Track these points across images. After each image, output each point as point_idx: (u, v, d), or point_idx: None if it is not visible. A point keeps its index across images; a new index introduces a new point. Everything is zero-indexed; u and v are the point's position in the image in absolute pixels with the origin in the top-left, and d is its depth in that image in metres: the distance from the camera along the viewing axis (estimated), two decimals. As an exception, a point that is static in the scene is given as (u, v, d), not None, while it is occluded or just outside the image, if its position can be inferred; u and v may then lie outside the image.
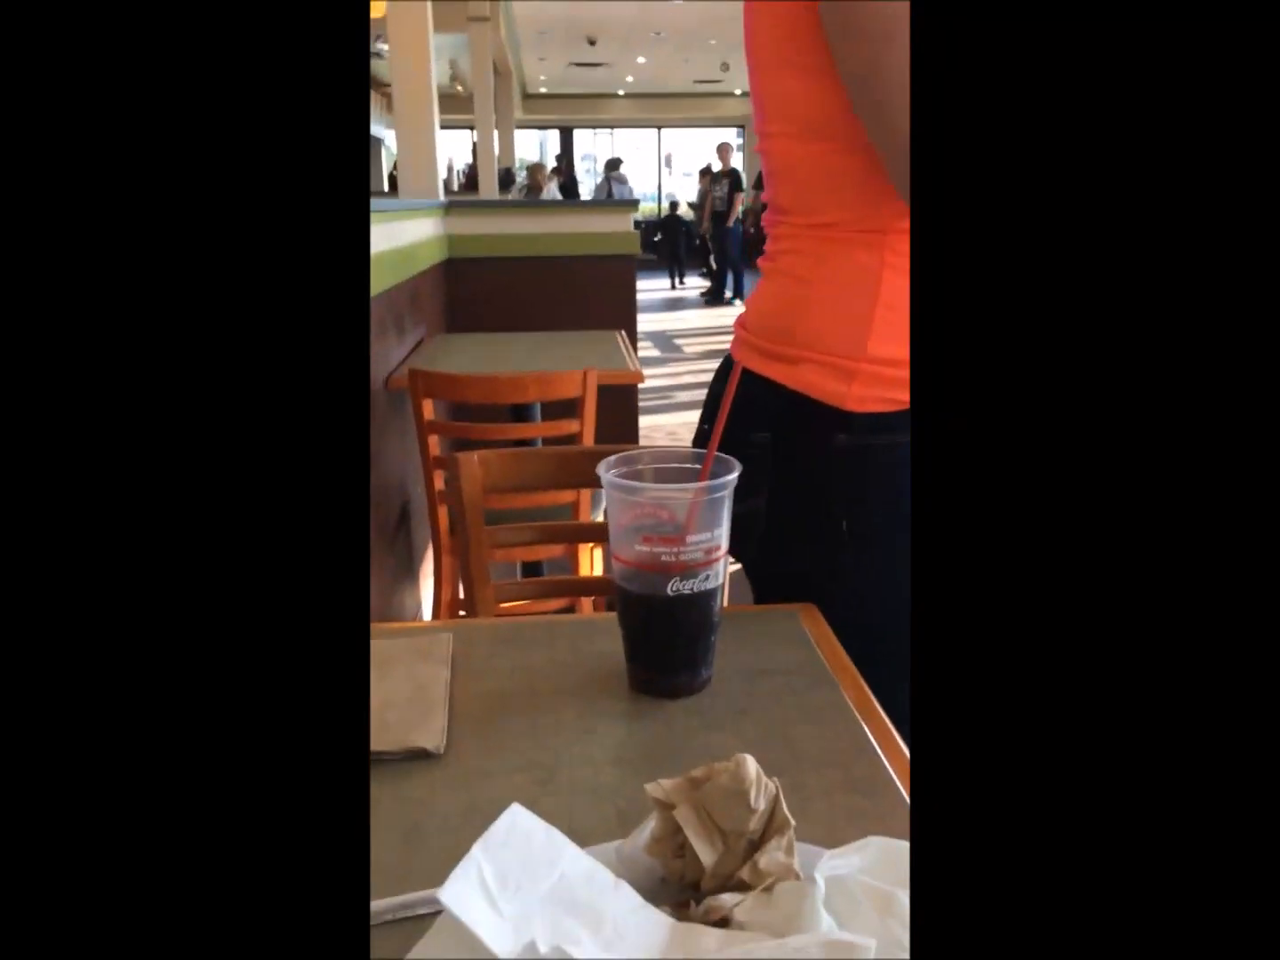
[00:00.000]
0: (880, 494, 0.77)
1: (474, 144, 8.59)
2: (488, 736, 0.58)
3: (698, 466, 0.64)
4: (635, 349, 2.66)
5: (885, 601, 0.74)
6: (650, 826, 0.42)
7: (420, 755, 0.55)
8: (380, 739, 0.56)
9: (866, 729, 0.59)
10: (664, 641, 0.62)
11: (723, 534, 0.62)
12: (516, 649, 0.70)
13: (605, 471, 0.63)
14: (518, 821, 0.36)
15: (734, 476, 0.61)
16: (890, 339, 0.76)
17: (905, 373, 0.75)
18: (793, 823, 0.41)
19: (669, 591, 0.60)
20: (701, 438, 0.90)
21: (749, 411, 0.78)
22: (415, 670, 0.65)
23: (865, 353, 0.76)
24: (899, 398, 0.76)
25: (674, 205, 13.61)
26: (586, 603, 1.75)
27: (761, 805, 0.40)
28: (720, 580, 0.63)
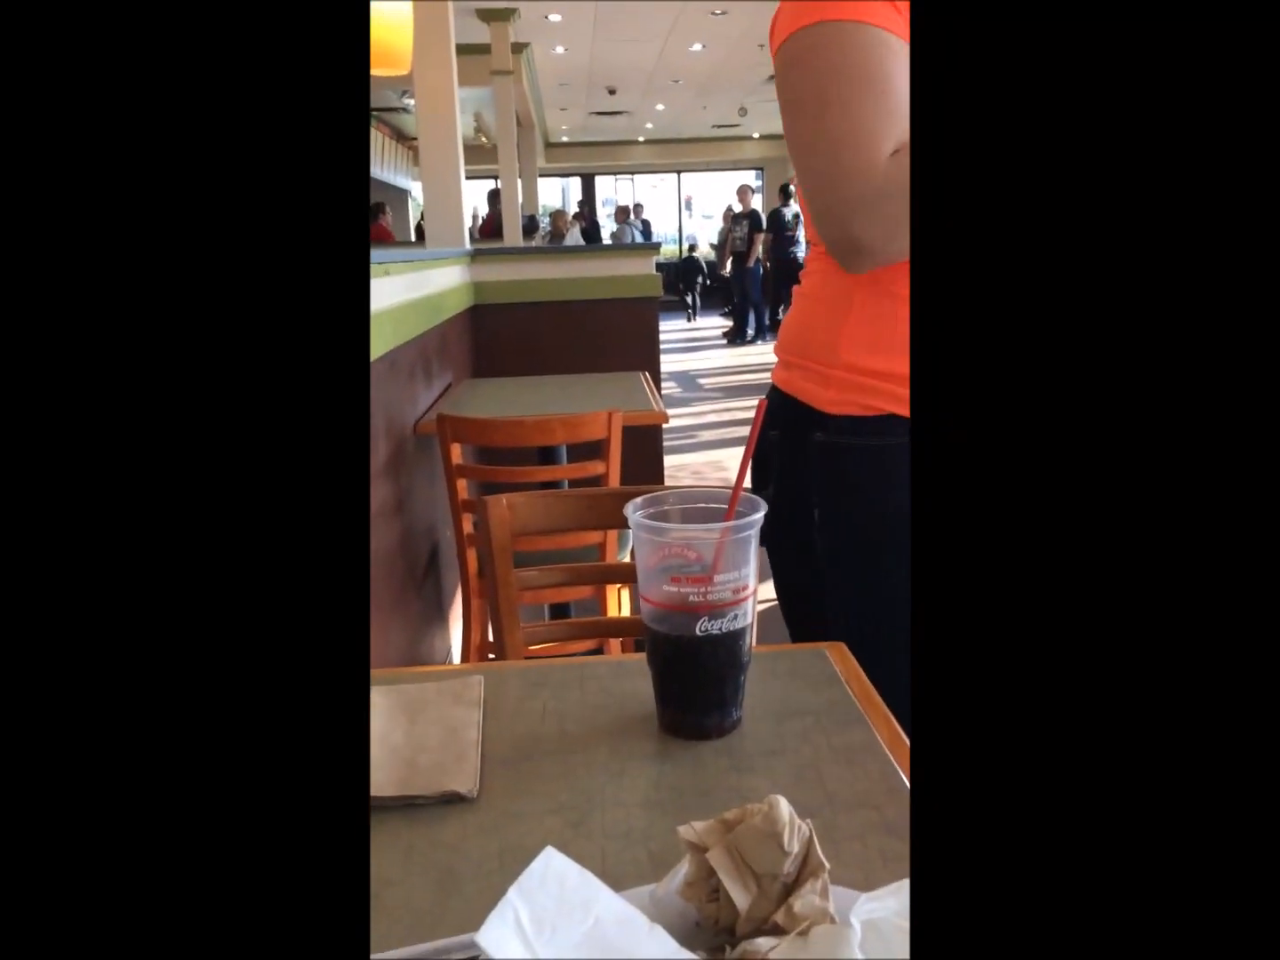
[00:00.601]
0: (847, 489, 0.90)
1: (489, 191, 8.75)
2: (520, 779, 0.59)
3: (724, 506, 0.65)
4: (659, 389, 2.68)
5: (853, 582, 0.91)
6: (684, 870, 0.42)
7: (454, 799, 0.56)
8: (414, 783, 0.57)
9: (899, 769, 0.58)
10: (693, 682, 0.62)
11: (750, 573, 0.62)
12: (547, 691, 0.70)
13: (632, 513, 0.64)
14: (552, 864, 0.36)
15: (760, 515, 0.62)
16: (862, 350, 0.88)
17: (878, 382, 0.88)
18: (827, 865, 0.41)
19: (697, 631, 0.61)
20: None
21: (770, 412, 0.95)
22: (447, 714, 0.65)
23: (839, 360, 0.89)
24: (873, 404, 0.88)
25: (691, 247, 13.87)
26: (615, 644, 1.74)
27: (795, 847, 0.40)
28: (749, 619, 0.63)
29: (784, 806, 0.41)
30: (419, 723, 0.64)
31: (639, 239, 10.17)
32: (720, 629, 0.61)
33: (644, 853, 0.51)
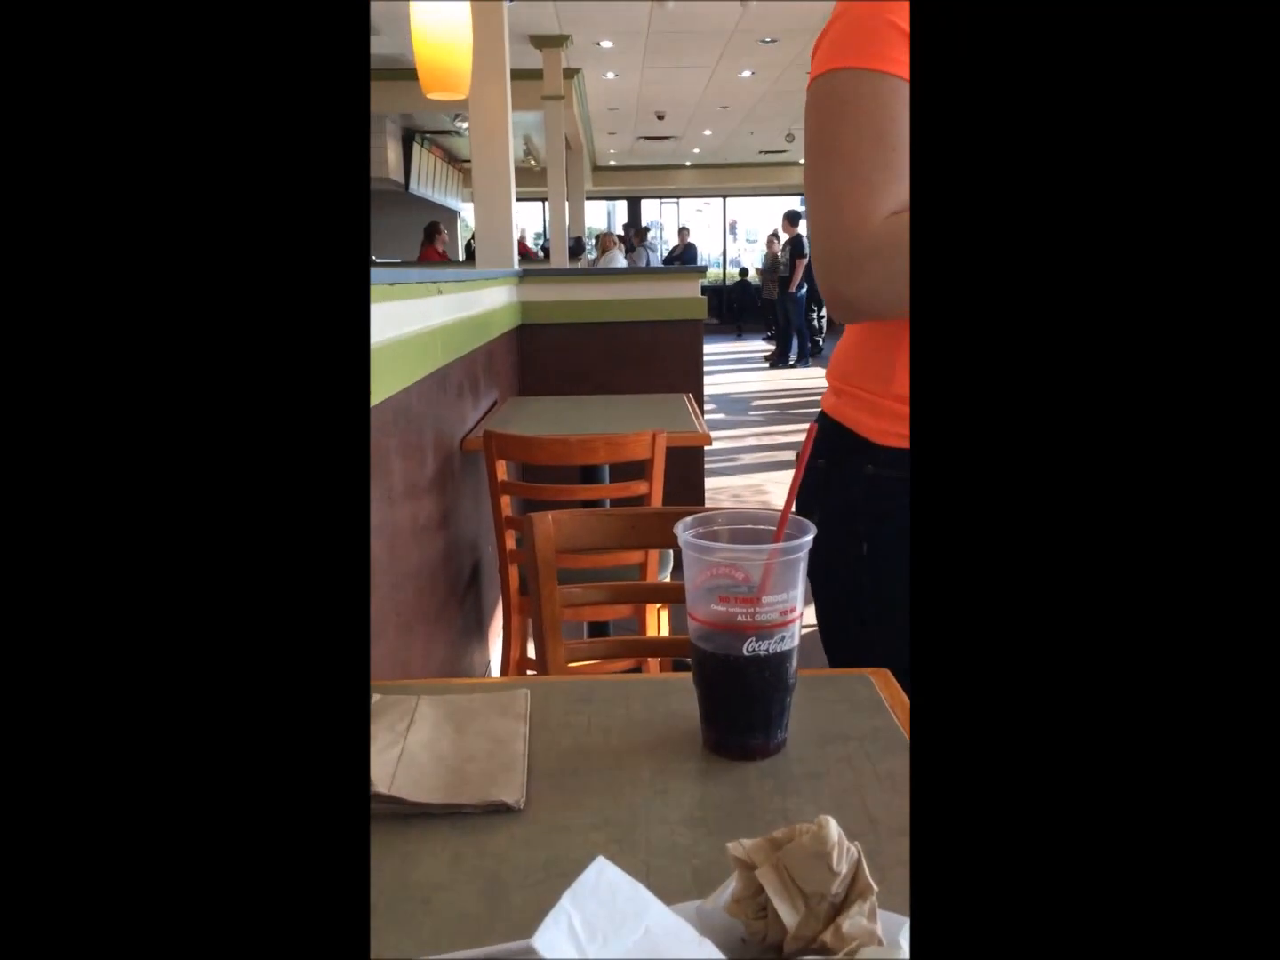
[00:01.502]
0: (896, 524, 0.88)
1: (427, 225, 8.59)
2: (565, 792, 0.59)
3: (773, 527, 0.65)
4: (702, 411, 2.69)
5: (895, 616, 0.87)
6: (731, 886, 0.42)
7: (500, 809, 0.57)
8: (461, 791, 0.58)
9: (945, 797, 0.58)
10: (739, 702, 0.63)
11: (798, 595, 0.63)
12: (592, 706, 0.71)
13: (682, 531, 0.65)
14: (604, 874, 0.37)
15: (809, 539, 0.62)
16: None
17: None
18: (875, 888, 0.41)
19: (744, 651, 0.61)
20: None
21: (818, 439, 0.92)
22: (494, 725, 0.66)
23: (890, 391, 0.87)
24: None
25: (744, 272, 13.99)
26: (654, 664, 1.74)
27: (844, 869, 0.41)
28: (795, 642, 0.63)
29: (834, 827, 0.41)
30: (466, 733, 0.65)
31: (653, 263, 10.08)
32: (767, 650, 0.61)
33: (688, 870, 0.52)
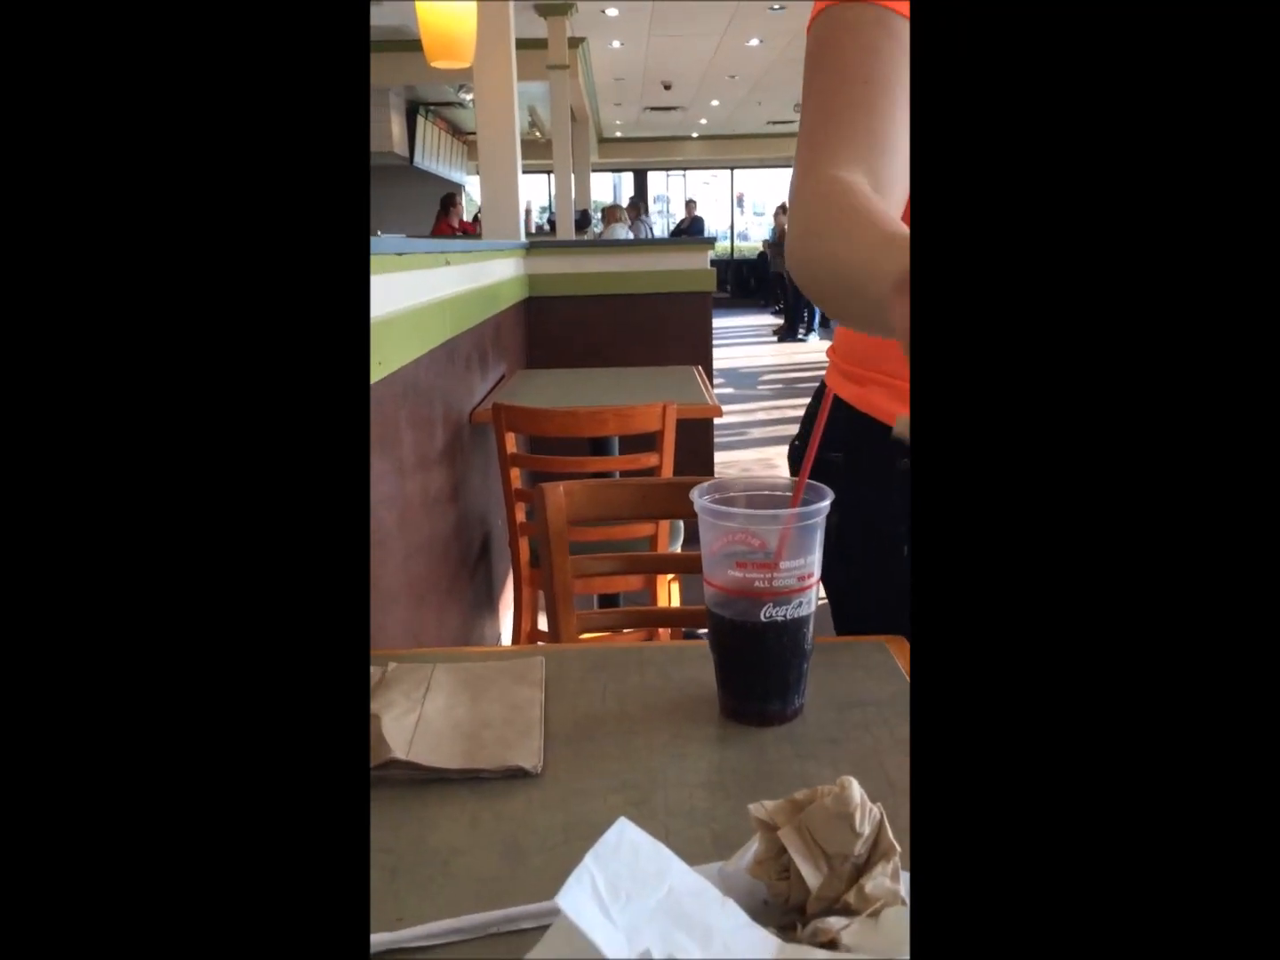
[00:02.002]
0: None
1: (442, 196, 8.29)
2: (582, 758, 0.59)
3: (789, 495, 0.65)
4: (712, 384, 2.68)
5: None
6: (754, 847, 0.42)
7: (518, 774, 0.56)
8: (479, 757, 0.58)
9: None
10: (756, 668, 0.62)
11: (815, 561, 0.62)
12: (607, 673, 0.71)
13: (698, 497, 0.64)
14: (626, 834, 0.37)
15: (826, 504, 0.62)
16: None
17: None
18: (898, 848, 0.41)
19: (762, 618, 0.61)
20: (794, 454, 0.92)
21: (827, 431, 0.78)
22: (510, 692, 0.66)
23: None
24: None
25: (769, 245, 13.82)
26: (665, 634, 1.75)
27: (866, 830, 0.40)
28: (813, 608, 0.63)
29: (856, 788, 0.41)
30: (482, 700, 0.65)
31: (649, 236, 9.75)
32: (785, 615, 0.61)
33: (707, 833, 0.52)
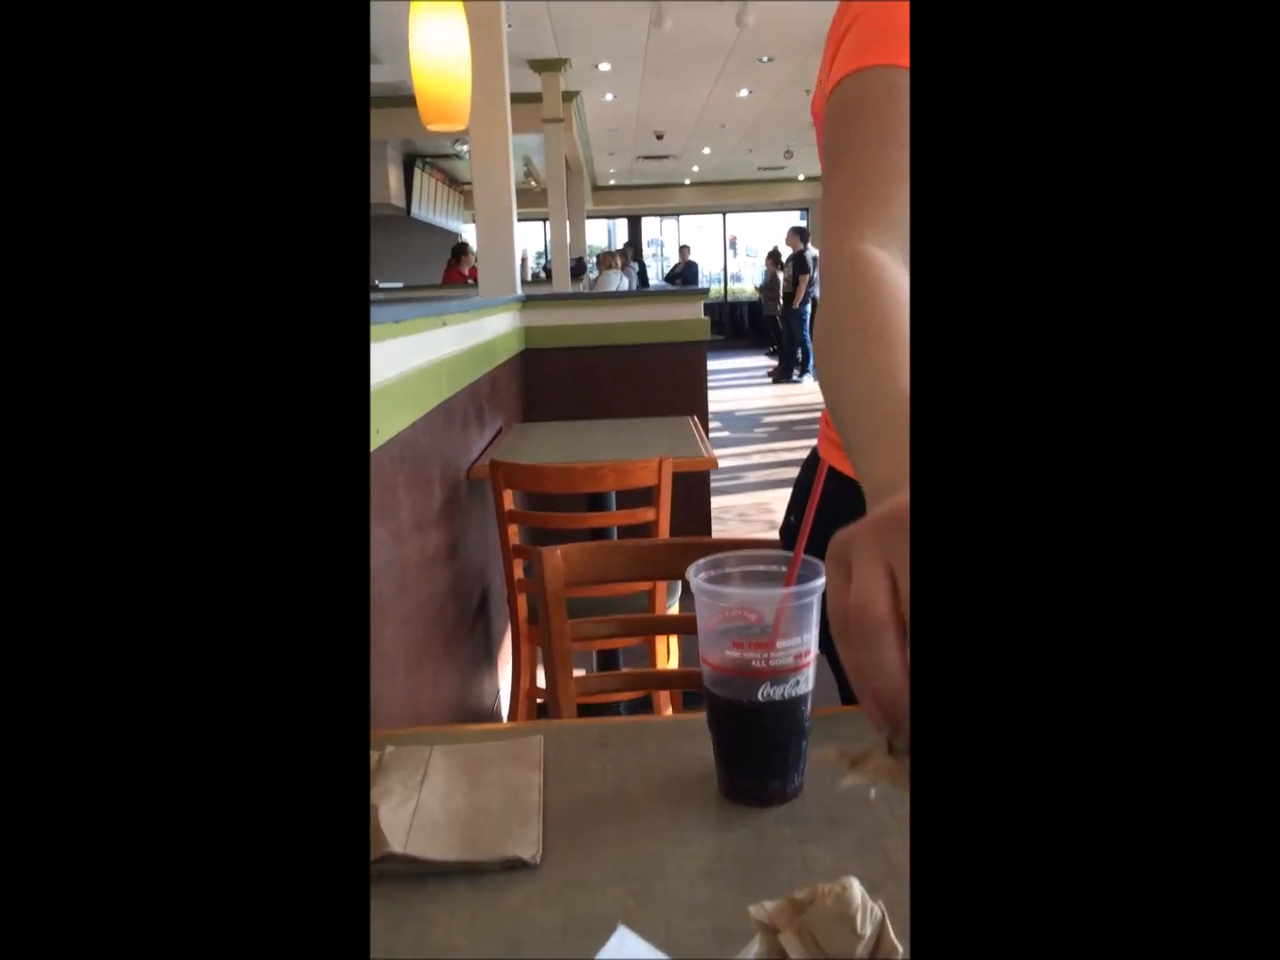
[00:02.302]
0: None
1: (454, 245, 8.31)
2: (582, 845, 0.59)
3: (784, 570, 0.65)
4: (706, 431, 2.69)
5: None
6: (754, 949, 0.41)
7: (517, 865, 0.56)
8: (477, 848, 0.57)
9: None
10: (755, 748, 0.62)
11: (812, 638, 0.62)
12: (606, 751, 0.70)
13: (693, 576, 0.65)
14: (625, 944, 0.37)
15: (822, 581, 0.62)
16: None
17: None
18: (900, 949, 0.40)
19: (759, 697, 0.61)
20: (788, 530, 0.90)
21: (828, 506, 0.74)
22: (508, 775, 0.65)
23: None
24: None
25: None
26: (664, 695, 1.74)
27: (868, 931, 0.40)
28: (810, 686, 0.63)
29: (857, 889, 0.41)
30: (480, 785, 0.64)
31: (626, 285, 9.61)
32: (782, 695, 0.61)
33: (708, 925, 0.51)
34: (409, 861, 0.56)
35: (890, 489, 0.45)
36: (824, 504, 0.76)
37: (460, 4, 2.32)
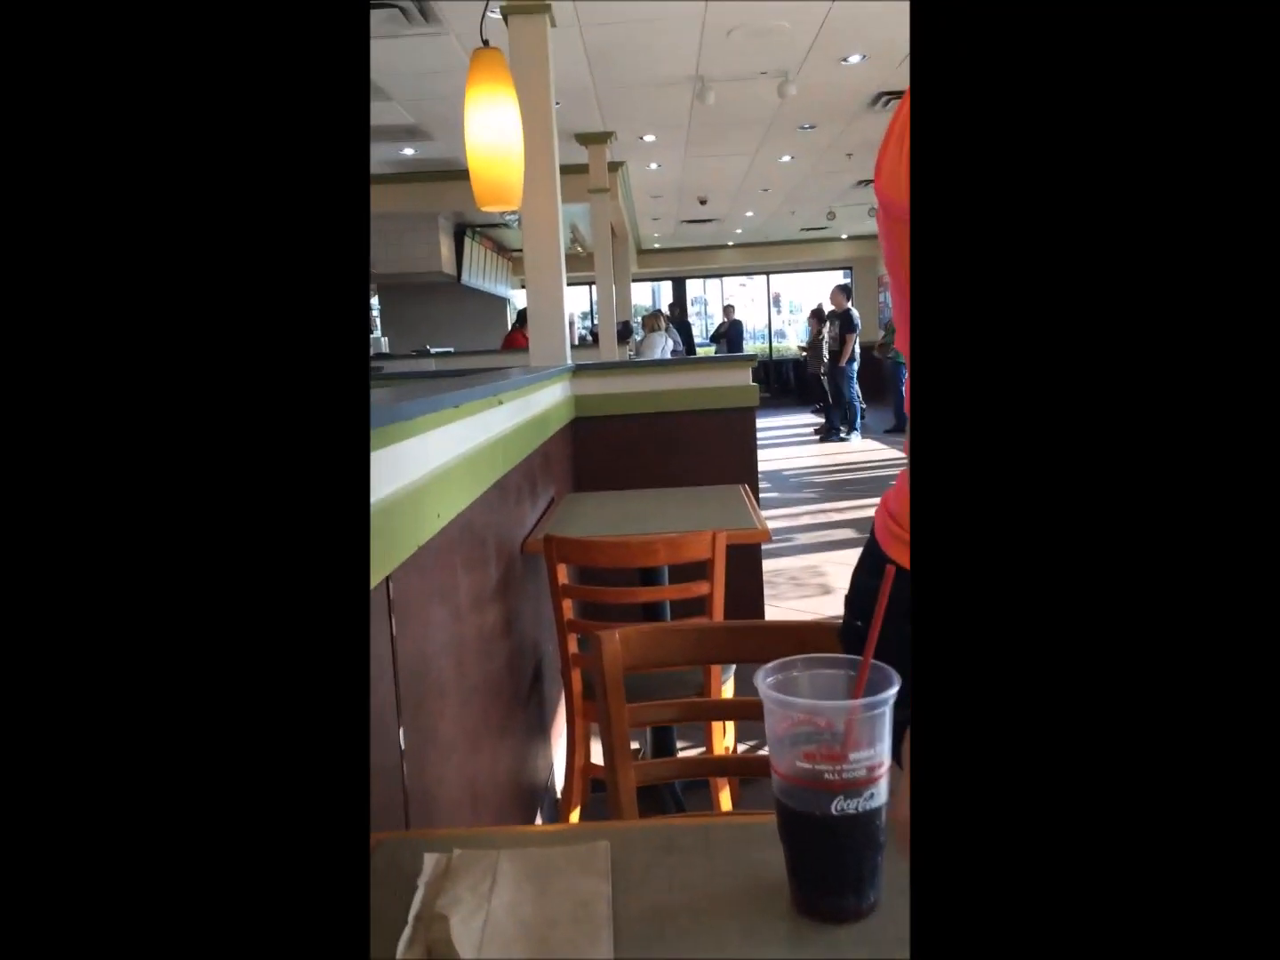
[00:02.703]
0: None
1: (519, 311, 8.56)
2: (653, 962, 0.58)
3: (853, 674, 0.64)
4: (757, 495, 2.69)
5: None
6: None
7: (589, 985, 0.55)
8: (549, 964, 0.56)
9: None
10: (828, 862, 0.61)
11: (885, 749, 0.61)
12: (674, 858, 0.69)
13: (761, 682, 0.64)
14: None
15: (894, 690, 0.61)
16: None
17: None
18: None
19: (833, 810, 0.60)
20: (849, 633, 0.88)
21: (895, 604, 0.68)
22: (576, 884, 0.65)
23: None
24: None
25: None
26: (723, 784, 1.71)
27: None
28: (885, 798, 0.61)
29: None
30: (548, 894, 0.64)
31: (672, 349, 9.50)
32: (856, 808, 0.60)
33: (787, 1058, 0.50)
34: (481, 980, 0.55)
35: None
36: (889, 604, 0.75)
37: (513, 92, 2.41)
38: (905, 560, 0.80)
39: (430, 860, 0.68)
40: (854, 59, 5.49)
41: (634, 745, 2.52)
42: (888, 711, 0.61)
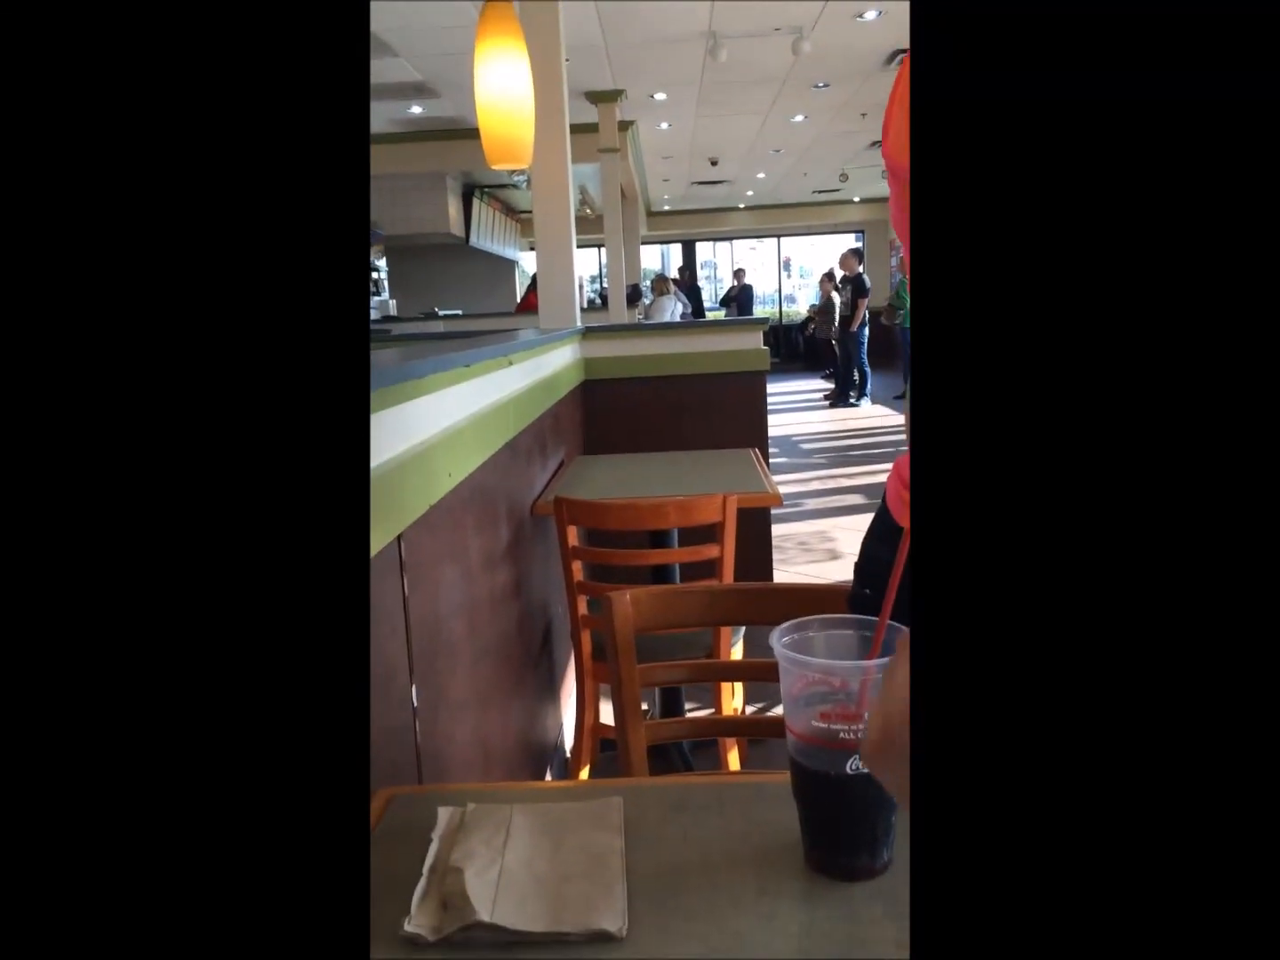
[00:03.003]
0: None
1: (532, 275, 8.73)
2: (666, 916, 0.58)
3: (868, 634, 0.64)
4: (767, 460, 2.67)
5: None
6: None
7: (603, 937, 0.56)
8: (562, 917, 0.57)
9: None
10: (843, 821, 0.61)
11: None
12: (687, 816, 0.70)
13: (776, 642, 0.64)
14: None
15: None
16: None
17: None
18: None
19: (848, 769, 0.60)
20: (856, 601, 0.88)
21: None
22: (590, 839, 0.65)
23: None
24: None
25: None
26: (729, 738, 1.72)
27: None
28: (899, 757, 0.61)
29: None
30: (563, 849, 0.64)
31: (680, 313, 9.41)
32: (871, 767, 0.59)
33: (801, 1011, 0.50)
34: (495, 930, 0.56)
35: None
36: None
37: (523, 46, 2.37)
38: (905, 520, 0.79)
39: (445, 814, 0.68)
40: (870, 14, 5.37)
41: (643, 706, 2.55)
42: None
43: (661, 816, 0.70)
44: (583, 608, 1.83)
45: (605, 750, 1.95)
